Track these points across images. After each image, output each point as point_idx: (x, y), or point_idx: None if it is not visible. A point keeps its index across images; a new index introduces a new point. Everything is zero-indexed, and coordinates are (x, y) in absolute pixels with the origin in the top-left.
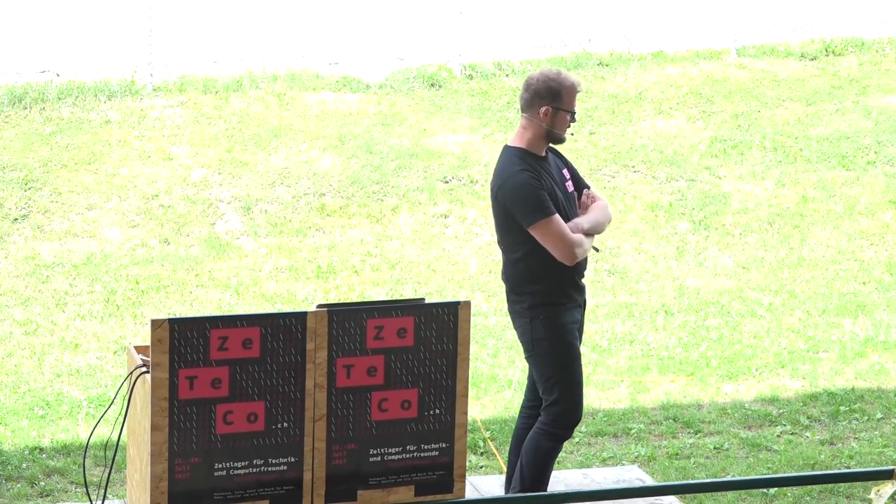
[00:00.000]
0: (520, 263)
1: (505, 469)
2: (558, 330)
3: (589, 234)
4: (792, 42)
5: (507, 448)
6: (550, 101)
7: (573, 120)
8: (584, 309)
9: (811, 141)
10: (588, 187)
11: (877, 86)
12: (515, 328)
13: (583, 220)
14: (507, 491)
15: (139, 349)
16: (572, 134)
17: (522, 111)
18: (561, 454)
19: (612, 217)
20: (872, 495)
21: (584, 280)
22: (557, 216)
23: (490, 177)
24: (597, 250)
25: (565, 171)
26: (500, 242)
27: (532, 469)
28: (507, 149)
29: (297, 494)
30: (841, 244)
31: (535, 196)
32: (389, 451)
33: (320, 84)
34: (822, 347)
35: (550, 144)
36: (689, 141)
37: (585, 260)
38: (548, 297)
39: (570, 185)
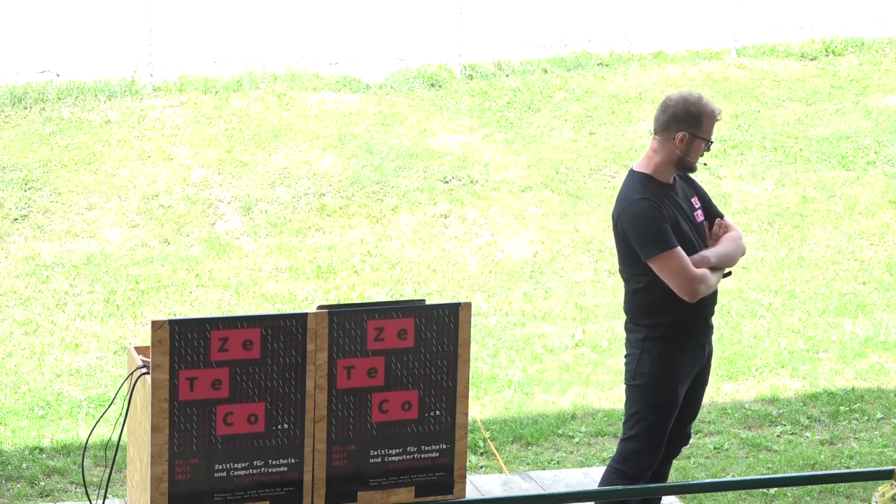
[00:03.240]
0: (639, 295)
1: (505, 469)
2: (666, 370)
3: (716, 268)
4: (792, 42)
5: (507, 448)
6: (688, 126)
7: (707, 149)
8: (709, 353)
9: (811, 141)
10: (721, 216)
11: (877, 86)
12: (625, 355)
13: (710, 254)
14: None
15: (139, 350)
16: (705, 164)
17: (655, 133)
18: (561, 454)
19: (746, 249)
20: (876, 499)
21: (713, 319)
22: (679, 249)
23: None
24: (728, 274)
25: (695, 200)
26: (621, 272)
27: None
28: (631, 173)
29: (298, 495)
30: (841, 244)
31: (655, 227)
32: (390, 452)
33: (320, 84)
34: (822, 347)
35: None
36: None
37: (714, 296)
38: (666, 332)
39: (699, 215)
